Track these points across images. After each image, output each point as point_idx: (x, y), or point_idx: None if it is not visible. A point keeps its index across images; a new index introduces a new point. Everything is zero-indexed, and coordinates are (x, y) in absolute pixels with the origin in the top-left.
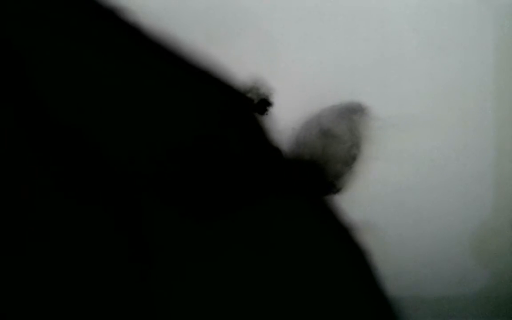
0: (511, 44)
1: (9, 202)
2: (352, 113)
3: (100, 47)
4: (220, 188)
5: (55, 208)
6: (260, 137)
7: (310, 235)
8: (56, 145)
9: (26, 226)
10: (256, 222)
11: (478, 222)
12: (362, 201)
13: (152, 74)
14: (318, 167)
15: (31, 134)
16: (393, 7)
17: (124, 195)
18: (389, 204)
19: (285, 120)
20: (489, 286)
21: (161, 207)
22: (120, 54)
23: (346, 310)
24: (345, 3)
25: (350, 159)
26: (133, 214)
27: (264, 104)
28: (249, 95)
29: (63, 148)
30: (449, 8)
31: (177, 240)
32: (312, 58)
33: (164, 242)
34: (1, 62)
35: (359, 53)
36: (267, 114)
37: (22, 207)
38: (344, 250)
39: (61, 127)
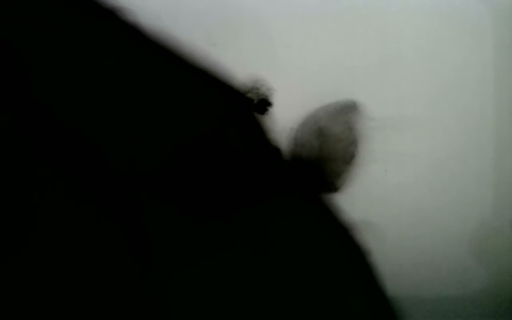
0: (511, 44)
1: (10, 203)
2: (348, 111)
3: (100, 48)
4: (220, 188)
5: (56, 209)
6: (260, 137)
7: (310, 235)
8: (57, 146)
9: (26, 227)
10: (256, 222)
11: (478, 222)
12: (362, 201)
13: (153, 75)
14: (317, 166)
15: (31, 135)
16: (393, 7)
17: (125, 195)
18: (389, 204)
19: (285, 120)
20: (489, 286)
21: (161, 207)
22: (120, 54)
23: (345, 309)
24: (345, 3)
25: (348, 158)
26: (133, 214)
27: (264, 104)
28: (249, 95)
29: (64, 149)
30: (449, 8)
31: (177, 240)
32: (312, 58)
33: (165, 242)
34: (1, 63)
35: (359, 53)
36: (267, 114)
37: (23, 207)
38: (344, 250)
39: (62, 128)
